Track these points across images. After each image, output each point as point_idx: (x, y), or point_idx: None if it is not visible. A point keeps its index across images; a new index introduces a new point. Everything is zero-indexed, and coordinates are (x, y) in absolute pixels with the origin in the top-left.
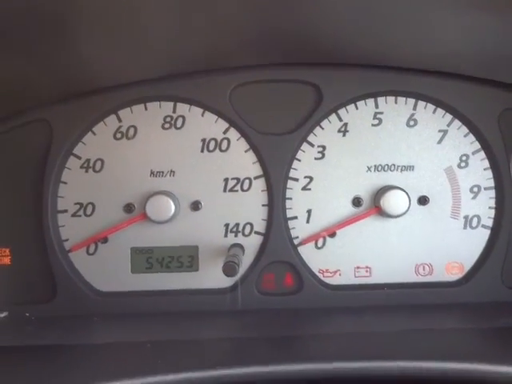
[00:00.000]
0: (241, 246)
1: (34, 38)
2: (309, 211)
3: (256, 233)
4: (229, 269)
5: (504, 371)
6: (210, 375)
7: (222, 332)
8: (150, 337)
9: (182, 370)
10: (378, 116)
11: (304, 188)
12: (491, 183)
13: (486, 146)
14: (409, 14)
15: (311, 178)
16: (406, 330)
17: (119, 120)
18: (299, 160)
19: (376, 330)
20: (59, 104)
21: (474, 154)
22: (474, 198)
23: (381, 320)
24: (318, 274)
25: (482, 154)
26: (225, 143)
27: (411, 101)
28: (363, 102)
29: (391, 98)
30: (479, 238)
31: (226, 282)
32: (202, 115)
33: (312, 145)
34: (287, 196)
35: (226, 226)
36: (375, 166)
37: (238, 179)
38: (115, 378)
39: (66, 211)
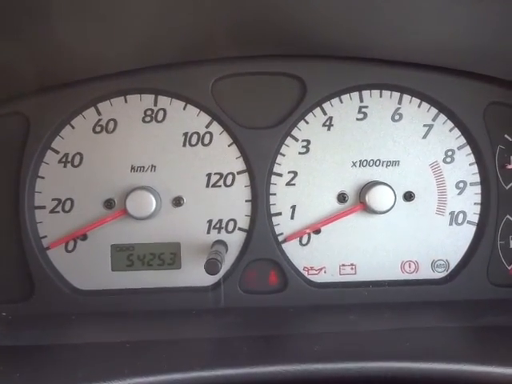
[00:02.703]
0: (224, 243)
1: (7, 27)
2: (293, 207)
3: (239, 229)
4: (211, 266)
5: (489, 371)
6: (189, 377)
7: (204, 332)
8: (129, 337)
9: (162, 372)
10: (363, 110)
11: (288, 183)
12: (477, 178)
13: (471, 141)
14: (394, 7)
15: (295, 173)
16: (390, 329)
17: (98, 113)
18: (283, 155)
19: (361, 330)
20: (36, 96)
21: (459, 148)
22: (459, 193)
23: (366, 319)
24: (302, 271)
25: (468, 148)
26: (207, 137)
27: (396, 95)
28: (348, 95)
29: (376, 92)
30: (465, 235)
31: (208, 279)
32: (184, 108)
33: (296, 139)
34: (271, 191)
35: (209, 222)
36: (360, 161)
37: (220, 174)
38: (92, 381)
39: (43, 207)
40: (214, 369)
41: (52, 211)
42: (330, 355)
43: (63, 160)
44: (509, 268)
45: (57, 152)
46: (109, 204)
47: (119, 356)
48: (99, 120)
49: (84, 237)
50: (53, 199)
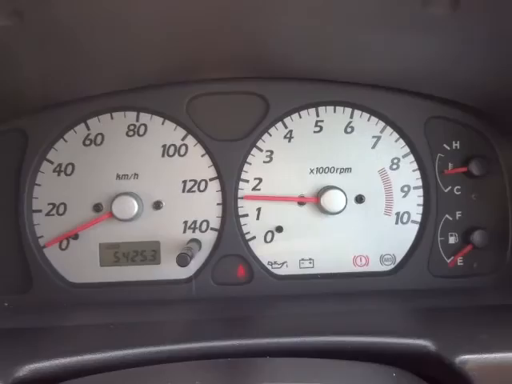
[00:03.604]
0: (198, 241)
1: (9, 56)
2: (258, 209)
3: (212, 229)
4: (181, 259)
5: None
6: (161, 350)
7: (180, 315)
8: (113, 320)
9: (137, 345)
10: (319, 124)
11: (254, 188)
12: (419, 183)
13: (414, 150)
14: (346, 37)
15: (260, 180)
16: (340, 311)
17: (88, 128)
18: (249, 163)
19: (314, 312)
20: (33, 114)
21: (404, 157)
22: (404, 196)
23: (320, 304)
24: (267, 265)
25: (411, 157)
26: (183, 149)
27: (348, 110)
28: (306, 111)
29: (330, 108)
30: (409, 232)
31: (184, 273)
32: (163, 123)
33: (261, 150)
34: (239, 196)
35: (185, 223)
36: (317, 168)
37: (195, 181)
38: (82, 353)
39: (40, 211)
40: (183, 343)
41: (48, 214)
42: (282, 331)
43: (57, 169)
44: (448, 261)
45: (51, 162)
46: (97, 208)
47: (104, 334)
48: (88, 134)
49: (76, 236)
50: (48, 204)
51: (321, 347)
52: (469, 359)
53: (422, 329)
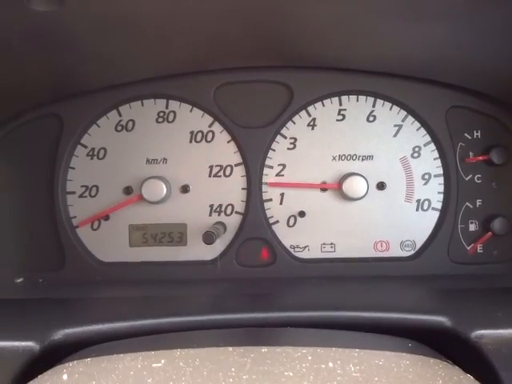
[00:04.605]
0: (223, 224)
1: (48, 42)
2: (282, 194)
3: (236, 213)
4: (207, 237)
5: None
6: (190, 320)
7: (205, 293)
8: (141, 294)
9: (168, 315)
10: (342, 112)
11: (278, 174)
12: (440, 171)
13: (435, 139)
14: (369, 26)
15: (284, 166)
16: (360, 291)
17: (119, 114)
18: (274, 150)
19: (335, 291)
20: (69, 101)
21: (425, 145)
22: (425, 184)
23: (341, 286)
24: (289, 249)
25: (432, 145)
26: (210, 135)
27: (371, 99)
28: (329, 100)
29: (353, 97)
30: (429, 219)
31: (210, 254)
32: (191, 111)
33: (285, 137)
34: (263, 181)
35: (211, 206)
36: (339, 155)
37: (221, 166)
38: (113, 320)
39: (74, 193)
40: (207, 314)
41: (81, 196)
42: (303, 306)
43: (90, 153)
44: (468, 248)
45: (85, 147)
46: (127, 190)
47: (132, 304)
48: (120, 120)
49: (107, 218)
50: (81, 186)
51: (340, 321)
52: (484, 334)
53: (439, 306)
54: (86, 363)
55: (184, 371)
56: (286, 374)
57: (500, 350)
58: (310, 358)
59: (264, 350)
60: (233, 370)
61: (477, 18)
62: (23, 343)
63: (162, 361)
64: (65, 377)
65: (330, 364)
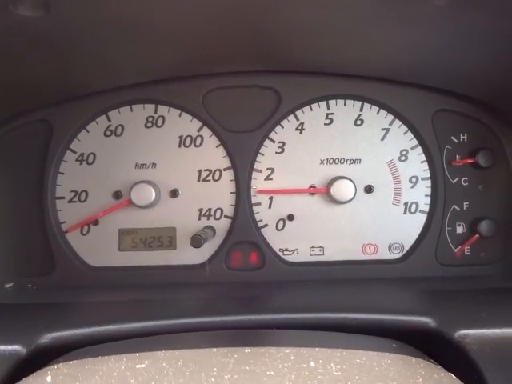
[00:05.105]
0: (212, 228)
1: (37, 53)
2: (270, 198)
3: (225, 217)
4: (194, 241)
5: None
6: (177, 323)
7: (192, 295)
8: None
9: (155, 318)
10: (330, 116)
11: (266, 178)
12: (427, 174)
13: (422, 142)
14: (354, 31)
15: (273, 170)
16: (348, 294)
17: (109, 120)
18: (262, 154)
19: (323, 294)
20: (58, 106)
21: (412, 149)
22: (412, 187)
23: (329, 289)
24: (278, 252)
25: (419, 149)
26: (199, 140)
27: (358, 103)
28: (317, 104)
29: (341, 101)
30: (417, 222)
31: (199, 258)
32: (180, 116)
33: (273, 141)
34: (252, 185)
35: (200, 210)
36: (327, 159)
37: (210, 170)
38: (99, 324)
39: (63, 198)
40: (197, 317)
41: (70, 201)
42: (290, 309)
43: (79, 159)
44: (455, 250)
45: (74, 152)
46: (117, 195)
47: (120, 308)
48: (109, 125)
49: (96, 222)
50: (71, 191)
51: (328, 323)
52: (467, 334)
53: (425, 308)
54: (70, 365)
55: (167, 371)
56: (267, 373)
57: (483, 349)
58: (292, 357)
59: (247, 350)
60: (215, 370)
61: (456, 23)
62: (10, 347)
63: (146, 362)
64: (49, 378)
65: (312, 363)
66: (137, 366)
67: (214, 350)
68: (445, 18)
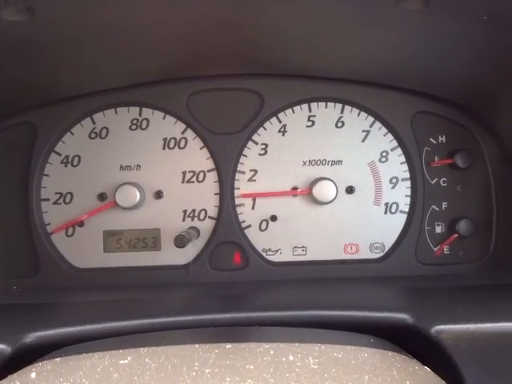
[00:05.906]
0: (196, 229)
1: (21, 57)
2: (254, 199)
3: (209, 217)
4: (178, 241)
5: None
6: (161, 322)
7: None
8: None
9: (137, 317)
10: (312, 119)
11: (250, 179)
12: (407, 175)
13: (402, 144)
14: (334, 36)
15: (256, 171)
16: (329, 293)
17: (93, 122)
18: (245, 156)
19: (304, 293)
20: (42, 109)
21: (392, 150)
22: (393, 187)
23: (311, 288)
24: (261, 252)
25: (399, 150)
26: (183, 142)
27: (339, 106)
28: (299, 106)
29: (322, 104)
30: (397, 222)
31: (183, 259)
32: (164, 118)
33: (256, 143)
34: (235, 186)
35: (184, 211)
36: (309, 160)
37: (194, 172)
38: (84, 323)
39: (48, 199)
40: (179, 316)
41: (55, 203)
42: (272, 307)
43: (64, 161)
44: (435, 249)
45: (59, 154)
46: (101, 197)
47: (104, 308)
48: (94, 128)
49: (81, 224)
50: (56, 193)
51: (308, 320)
52: (443, 329)
53: (403, 305)
54: (54, 362)
55: (149, 366)
56: (247, 367)
57: (459, 344)
58: (272, 352)
59: (228, 346)
60: (196, 364)
61: (431, 28)
62: None
63: (129, 357)
64: (33, 375)
65: (291, 357)
66: (120, 362)
67: (196, 345)
68: (419, 22)
